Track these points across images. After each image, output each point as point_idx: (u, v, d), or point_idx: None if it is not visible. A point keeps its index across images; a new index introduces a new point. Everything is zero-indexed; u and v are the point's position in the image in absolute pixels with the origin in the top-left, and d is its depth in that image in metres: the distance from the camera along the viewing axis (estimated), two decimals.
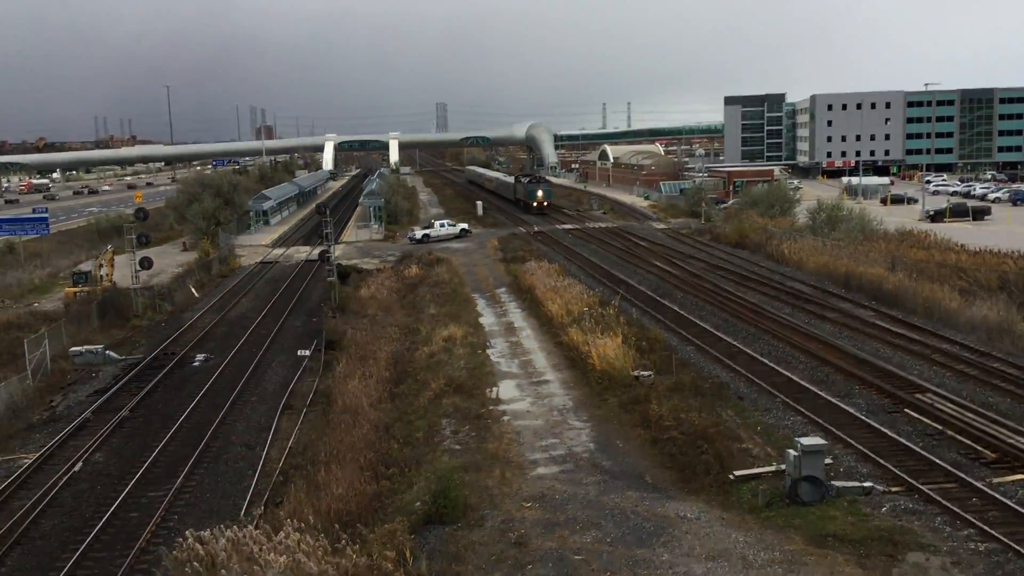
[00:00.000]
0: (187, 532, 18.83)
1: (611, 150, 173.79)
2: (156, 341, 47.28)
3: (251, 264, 74.67)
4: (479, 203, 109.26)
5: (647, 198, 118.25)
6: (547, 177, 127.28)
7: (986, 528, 19.60)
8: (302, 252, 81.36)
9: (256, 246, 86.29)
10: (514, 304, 51.03)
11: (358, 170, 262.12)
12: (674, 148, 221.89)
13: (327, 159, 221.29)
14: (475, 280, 59.76)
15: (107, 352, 42.98)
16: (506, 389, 34.24)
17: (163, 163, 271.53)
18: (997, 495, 21.30)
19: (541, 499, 23.44)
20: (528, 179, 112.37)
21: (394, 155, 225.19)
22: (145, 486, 27.49)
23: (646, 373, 32.41)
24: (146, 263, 55.63)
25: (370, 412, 32.98)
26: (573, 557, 19.84)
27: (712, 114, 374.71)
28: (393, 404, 34.50)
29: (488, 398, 33.13)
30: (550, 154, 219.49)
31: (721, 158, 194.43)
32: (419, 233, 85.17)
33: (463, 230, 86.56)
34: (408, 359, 40.72)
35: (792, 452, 21.96)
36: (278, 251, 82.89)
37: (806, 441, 22.00)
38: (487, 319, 47.38)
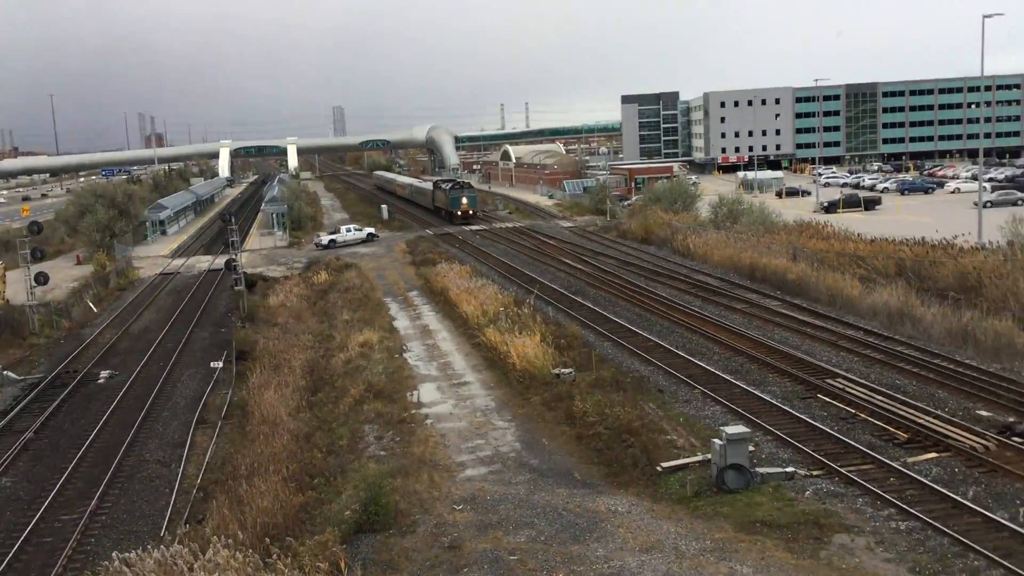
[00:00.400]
0: (113, 554, 18.16)
1: (513, 150, 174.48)
2: (57, 359, 45.47)
3: (151, 276, 72.46)
4: (384, 207, 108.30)
5: (551, 197, 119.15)
6: (467, 182, 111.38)
7: (905, 507, 20.33)
8: (204, 261, 79.35)
9: (155, 257, 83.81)
10: (428, 307, 50.79)
11: (255, 176, 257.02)
12: (574, 147, 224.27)
13: (223, 166, 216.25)
14: (386, 284, 59.26)
15: (5, 372, 41.14)
16: (427, 392, 34.05)
17: (48, 175, 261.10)
18: (913, 474, 22.12)
19: (472, 501, 23.38)
20: (450, 185, 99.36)
21: (292, 160, 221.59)
22: (58, 509, 26.40)
23: (566, 370, 32.64)
24: (42, 278, 53.42)
25: (289, 422, 32.39)
26: (508, 558, 19.82)
27: (609, 112, 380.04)
28: (312, 413, 33.93)
29: (409, 402, 32.89)
30: (451, 156, 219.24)
31: (620, 156, 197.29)
32: (325, 239, 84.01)
33: (370, 234, 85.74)
34: (324, 366, 40.12)
35: (718, 441, 22.40)
36: (178, 261, 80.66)
37: (731, 430, 22.47)
38: (402, 323, 47.04)
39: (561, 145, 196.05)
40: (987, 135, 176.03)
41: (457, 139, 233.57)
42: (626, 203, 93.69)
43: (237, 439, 32.30)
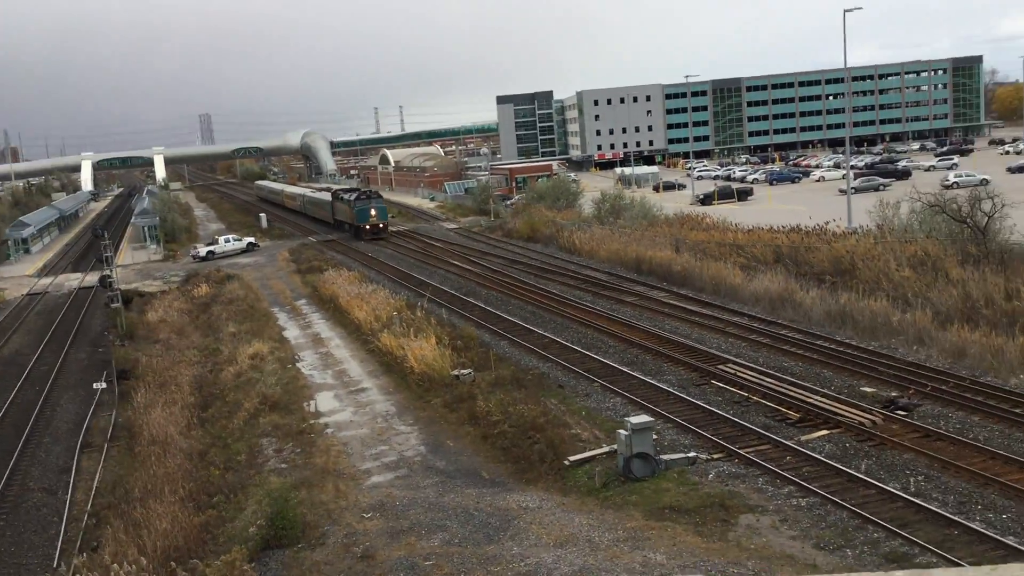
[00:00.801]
0: None
1: (391, 154, 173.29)
2: None
3: (17, 297, 68.90)
4: (263, 215, 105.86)
5: (433, 199, 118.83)
6: (374, 191, 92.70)
7: (804, 484, 21.08)
8: (73, 279, 76.00)
9: (19, 277, 79.77)
10: (317, 315, 49.94)
11: (121, 189, 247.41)
12: (452, 148, 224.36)
13: (86, 179, 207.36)
14: (272, 294, 57.97)
15: None
16: (324, 401, 33.49)
17: None
18: (807, 452, 22.96)
19: (381, 508, 23.10)
20: (355, 195, 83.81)
21: (160, 171, 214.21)
22: None
23: (465, 371, 32.62)
24: None
25: (181, 440, 31.36)
26: (424, 563, 19.65)
27: (485, 113, 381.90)
28: (204, 430, 32.92)
29: (307, 412, 32.27)
30: (328, 161, 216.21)
31: (498, 156, 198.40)
32: (203, 250, 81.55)
33: (250, 244, 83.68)
34: (213, 381, 38.97)
35: (623, 432, 22.75)
36: (46, 280, 76.98)
37: (635, 420, 22.87)
38: (292, 332, 46.13)
39: (439, 147, 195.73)
40: (844, 125, 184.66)
41: (332, 144, 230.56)
42: (509, 203, 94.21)
43: (126, 461, 31.07)
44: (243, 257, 79.43)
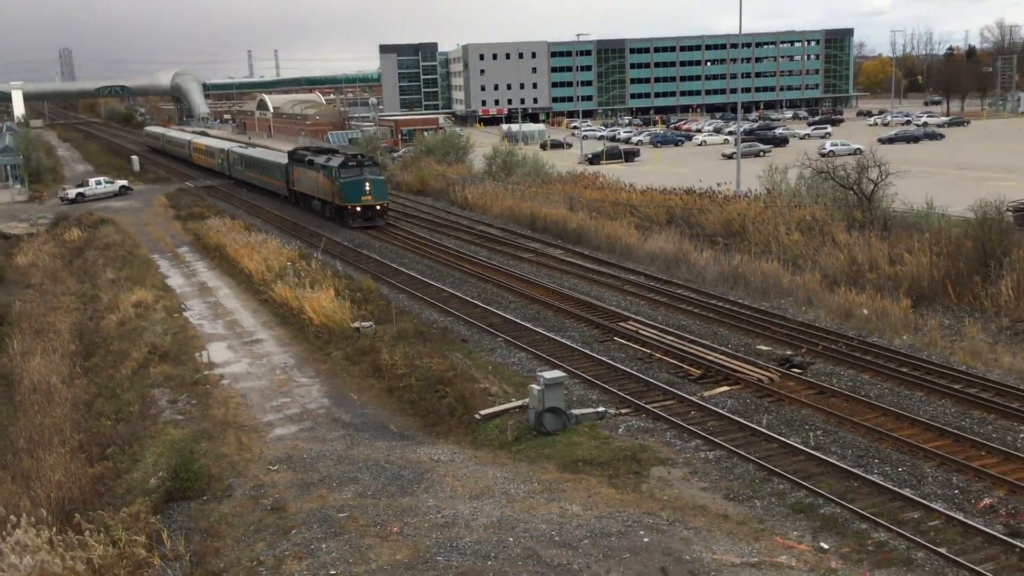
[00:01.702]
0: None
1: (270, 100, 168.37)
2: None
3: None
4: (135, 158, 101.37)
5: None
6: (369, 156, 62.12)
7: (710, 438, 21.73)
8: None
9: None
10: (202, 264, 48.32)
11: None
12: (332, 97, 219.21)
13: None
14: (151, 240, 55.74)
15: None
16: (217, 352, 32.51)
17: None
18: (711, 407, 23.65)
19: (288, 460, 22.65)
20: (340, 162, 55.37)
21: (19, 108, 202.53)
22: None
23: (366, 324, 32.17)
24: None
25: (64, 390, 29.96)
26: (338, 515, 19.40)
27: (367, 62, 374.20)
28: (89, 379, 31.52)
29: (200, 363, 31.29)
30: (200, 104, 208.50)
31: (381, 107, 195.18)
32: (72, 192, 77.65)
33: (123, 187, 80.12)
34: (94, 329, 37.30)
35: (535, 386, 22.88)
36: None
37: (548, 374, 23.03)
38: (176, 280, 44.53)
39: (320, 95, 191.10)
40: (722, 91, 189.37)
41: (205, 86, 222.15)
42: (396, 155, 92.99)
43: (6, 410, 29.49)
44: (116, 201, 76.06)
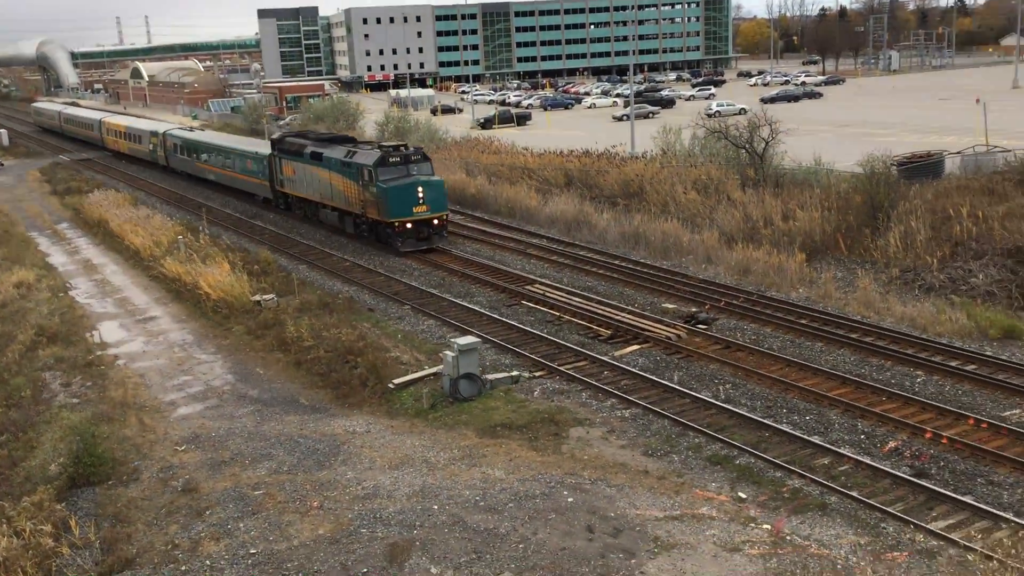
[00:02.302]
0: None
1: (144, 68, 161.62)
2: None
3: None
4: (3, 131, 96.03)
5: (196, 118, 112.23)
6: (417, 147, 42.34)
7: (625, 396, 21.98)
8: None
9: None
10: (85, 240, 46.23)
11: None
12: (209, 64, 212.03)
13: None
14: (27, 217, 53.02)
15: None
16: (109, 331, 31.21)
17: None
18: (623, 366, 23.90)
19: (196, 440, 21.95)
20: (379, 158, 37.60)
21: None
22: None
23: (268, 296, 31.34)
24: None
25: None
26: (253, 493, 18.91)
27: (245, 28, 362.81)
28: None
29: (92, 343, 29.99)
30: (69, 74, 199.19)
31: (262, 73, 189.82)
32: None
33: None
34: None
35: (449, 353, 22.69)
36: None
37: (461, 340, 22.85)
38: (58, 259, 42.50)
39: (197, 62, 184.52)
40: (607, 54, 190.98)
41: (74, 55, 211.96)
42: (282, 122, 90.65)
43: None
44: None
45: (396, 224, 36.83)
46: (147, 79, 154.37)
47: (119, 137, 75.51)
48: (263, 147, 50.30)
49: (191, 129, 66.90)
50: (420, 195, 36.79)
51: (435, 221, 37.38)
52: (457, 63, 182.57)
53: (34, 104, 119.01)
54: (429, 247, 37.36)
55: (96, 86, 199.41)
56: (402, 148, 38.72)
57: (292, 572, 15.49)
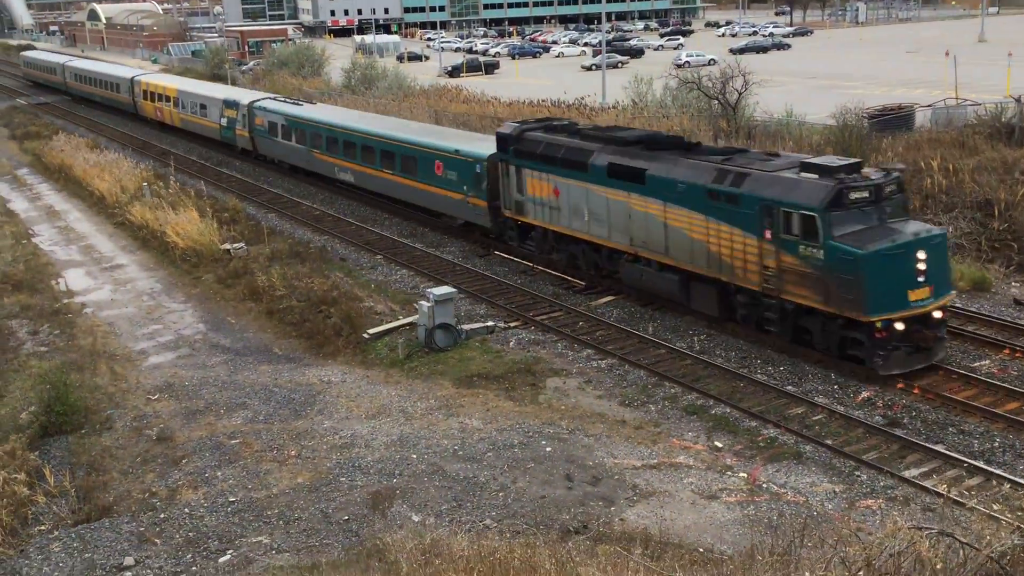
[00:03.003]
0: None
1: (102, 9, 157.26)
2: None
3: None
4: None
5: (156, 62, 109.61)
6: (860, 162, 21.28)
7: (601, 347, 22.07)
8: None
9: None
10: (47, 186, 45.34)
11: None
12: (168, 7, 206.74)
13: None
14: None
15: None
16: (76, 279, 30.78)
17: None
18: (598, 317, 23.96)
19: (169, 389, 21.82)
20: (829, 188, 19.28)
21: None
22: None
23: (238, 245, 30.98)
24: None
25: None
26: (230, 442, 18.87)
27: None
28: None
29: (58, 291, 29.60)
30: (23, 15, 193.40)
31: (223, 17, 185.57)
32: None
33: None
34: None
35: (425, 303, 22.60)
36: None
37: (438, 291, 22.77)
38: (19, 205, 41.71)
39: (156, 4, 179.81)
40: (575, 2, 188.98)
41: None
42: (246, 68, 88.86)
43: None
44: None
45: (878, 326, 19.27)
46: (104, 21, 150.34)
47: (167, 103, 56.25)
48: (467, 141, 32.55)
49: (298, 102, 46.53)
50: (921, 267, 19.29)
51: (937, 313, 19.84)
52: (422, 9, 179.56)
53: (24, 54, 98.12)
54: (928, 364, 19.80)
55: (52, 28, 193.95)
56: (865, 172, 20.46)
57: (273, 519, 15.51)
